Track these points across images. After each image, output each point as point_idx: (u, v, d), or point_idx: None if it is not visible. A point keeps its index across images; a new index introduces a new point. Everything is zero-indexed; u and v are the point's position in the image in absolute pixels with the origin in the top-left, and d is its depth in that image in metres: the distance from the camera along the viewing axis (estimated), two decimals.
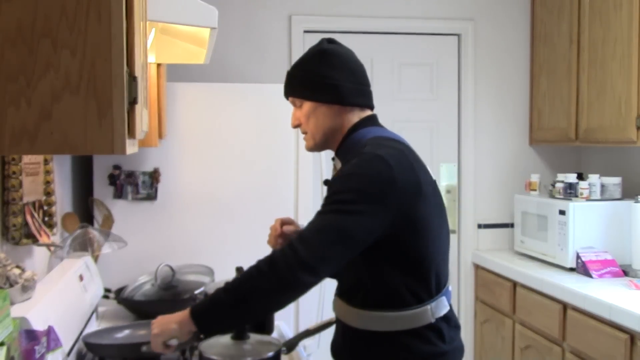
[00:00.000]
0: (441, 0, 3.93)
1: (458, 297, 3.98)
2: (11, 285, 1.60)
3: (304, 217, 2.86)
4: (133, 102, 1.15)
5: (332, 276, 1.85)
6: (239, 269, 1.95)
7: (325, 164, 3.29)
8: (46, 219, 2.16)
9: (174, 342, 1.64)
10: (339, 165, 1.77)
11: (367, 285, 1.67)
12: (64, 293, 1.92)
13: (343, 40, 1.93)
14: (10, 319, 1.31)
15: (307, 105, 1.76)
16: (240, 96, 3.06)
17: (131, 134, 1.15)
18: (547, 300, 3.13)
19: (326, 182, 1.73)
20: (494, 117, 4.02)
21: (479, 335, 3.89)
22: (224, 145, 3.03)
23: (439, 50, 3.98)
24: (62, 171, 2.63)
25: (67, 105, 1.07)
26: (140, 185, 2.95)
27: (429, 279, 1.65)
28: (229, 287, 1.59)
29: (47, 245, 2.10)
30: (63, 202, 2.62)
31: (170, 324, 1.63)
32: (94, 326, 2.32)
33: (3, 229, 1.84)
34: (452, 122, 4.01)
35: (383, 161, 1.58)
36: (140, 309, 2.50)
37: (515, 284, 3.45)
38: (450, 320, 1.70)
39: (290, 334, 2.40)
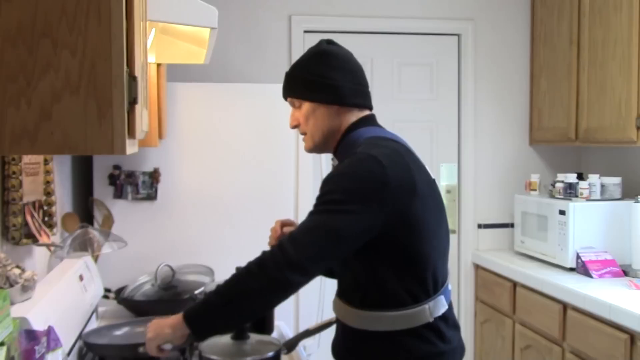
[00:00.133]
0: (441, 0, 3.93)
1: (458, 297, 3.98)
2: (11, 285, 1.60)
3: (304, 218, 2.85)
4: (133, 102, 1.15)
5: (331, 276, 1.85)
6: (238, 269, 1.95)
7: (325, 164, 3.29)
8: (46, 219, 2.16)
9: (167, 346, 1.66)
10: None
11: (364, 286, 1.67)
12: (64, 293, 1.92)
13: (343, 40, 1.93)
14: (10, 319, 1.31)
15: (307, 106, 1.76)
16: (240, 96, 3.06)
17: (131, 134, 1.15)
18: (547, 300, 3.13)
19: None
20: (494, 117, 4.02)
21: (479, 335, 3.89)
22: (224, 145, 3.03)
23: (439, 50, 3.98)
24: (62, 171, 2.63)
25: (67, 105, 1.07)
26: (140, 185, 2.95)
27: (425, 278, 1.65)
28: (220, 289, 1.61)
29: (47, 245, 2.09)
30: (63, 202, 2.62)
31: (164, 328, 1.64)
32: (94, 326, 2.32)
33: (3, 229, 1.84)
34: (452, 122, 4.01)
35: (376, 161, 1.59)
36: (140, 309, 2.50)
37: (515, 284, 3.45)
38: (448, 319, 1.70)
39: (290, 334, 2.40)
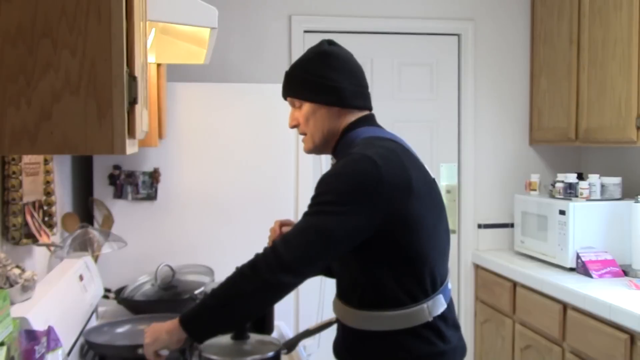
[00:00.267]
0: (441, 0, 3.93)
1: (458, 297, 3.98)
2: (11, 285, 1.60)
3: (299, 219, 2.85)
4: (133, 102, 1.15)
5: (331, 276, 1.85)
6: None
7: (325, 164, 3.29)
8: (46, 219, 2.16)
9: (164, 352, 1.67)
10: None
11: (362, 286, 1.67)
12: (64, 293, 1.92)
13: (343, 40, 1.93)
14: (10, 319, 1.31)
15: (307, 107, 1.75)
16: (240, 96, 3.06)
17: (131, 134, 1.15)
18: (547, 300, 3.13)
19: None
20: (494, 117, 4.02)
21: (479, 335, 3.89)
22: (224, 145, 3.03)
23: (439, 50, 3.98)
24: (62, 171, 2.63)
25: (67, 105, 1.07)
26: (140, 185, 2.95)
27: (423, 277, 1.65)
28: (215, 292, 1.62)
29: (47, 245, 2.09)
30: (63, 202, 2.62)
31: (161, 334, 1.65)
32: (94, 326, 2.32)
33: (3, 229, 1.84)
34: (452, 122, 4.01)
35: (370, 161, 1.58)
36: (140, 309, 2.50)
37: (515, 284, 3.45)
38: (447, 319, 1.70)
39: (290, 334, 2.40)
